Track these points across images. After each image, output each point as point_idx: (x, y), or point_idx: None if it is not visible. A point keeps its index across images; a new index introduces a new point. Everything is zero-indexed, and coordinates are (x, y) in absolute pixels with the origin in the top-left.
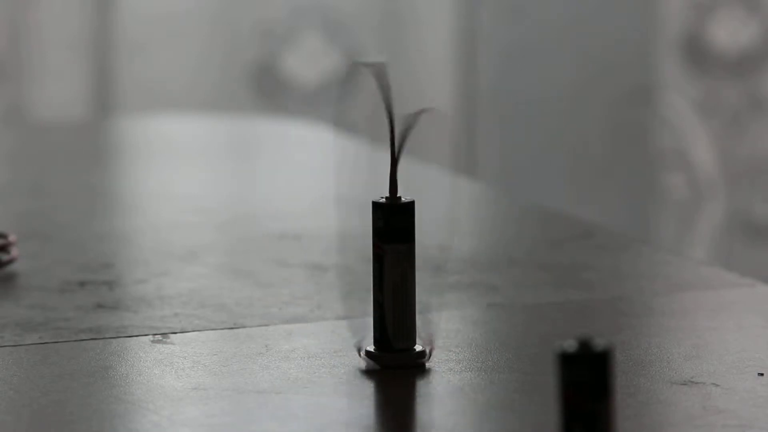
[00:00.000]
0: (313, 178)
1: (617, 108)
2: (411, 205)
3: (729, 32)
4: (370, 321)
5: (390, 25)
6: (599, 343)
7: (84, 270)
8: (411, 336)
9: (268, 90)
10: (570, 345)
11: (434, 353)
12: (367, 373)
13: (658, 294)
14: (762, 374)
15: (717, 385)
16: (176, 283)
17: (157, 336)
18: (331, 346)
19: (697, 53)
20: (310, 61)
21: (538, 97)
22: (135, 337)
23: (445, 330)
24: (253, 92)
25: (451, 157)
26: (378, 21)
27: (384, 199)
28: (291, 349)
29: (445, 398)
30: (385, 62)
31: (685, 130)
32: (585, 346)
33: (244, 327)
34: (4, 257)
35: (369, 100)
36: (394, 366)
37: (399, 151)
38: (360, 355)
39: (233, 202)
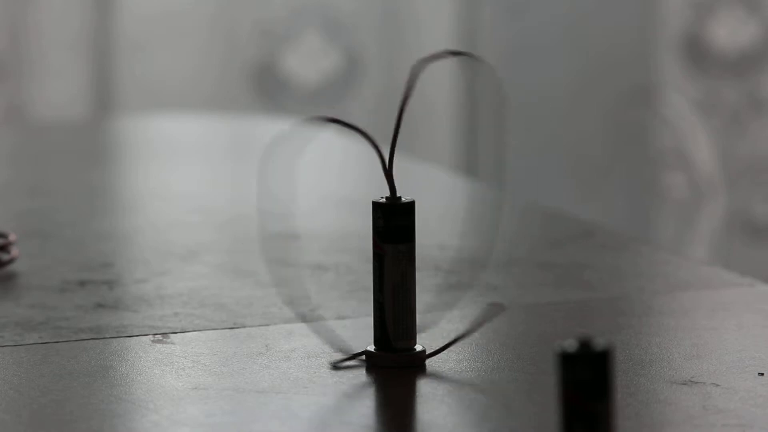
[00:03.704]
0: (313, 178)
1: (617, 108)
2: (411, 204)
3: (729, 32)
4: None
5: (390, 25)
6: (599, 342)
7: (84, 269)
8: (411, 336)
9: (268, 90)
10: (570, 345)
11: (436, 351)
12: (367, 373)
13: (658, 293)
14: (762, 374)
15: (717, 385)
16: (176, 282)
17: (157, 336)
18: (333, 346)
19: (697, 53)
20: (310, 61)
21: (538, 97)
22: (135, 337)
23: (446, 330)
24: (253, 92)
25: (451, 157)
26: (378, 21)
27: (384, 199)
28: (291, 349)
29: (445, 398)
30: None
31: (685, 129)
32: (585, 345)
33: (244, 327)
34: (4, 257)
35: (369, 100)
36: (394, 366)
37: (400, 116)
38: (350, 359)
39: (233, 202)
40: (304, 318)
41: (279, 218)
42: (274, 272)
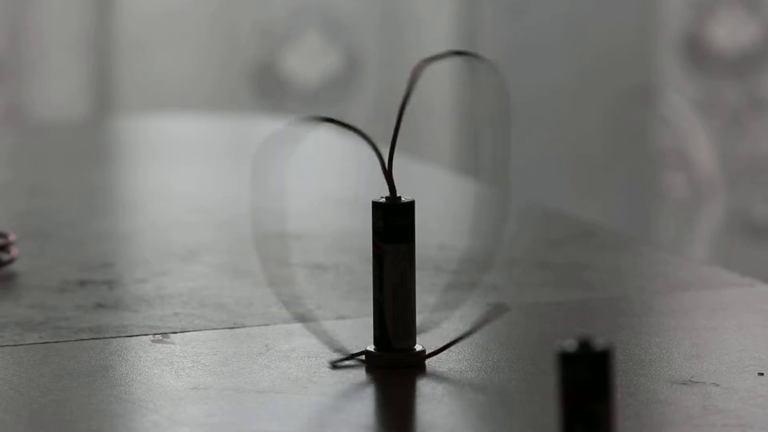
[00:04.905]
0: (313, 178)
1: (617, 108)
2: (411, 204)
3: (729, 32)
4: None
5: (390, 25)
6: (599, 342)
7: (84, 269)
8: (411, 336)
9: (268, 90)
10: (570, 344)
11: (436, 351)
12: (367, 373)
13: (657, 293)
14: (762, 374)
15: (717, 385)
16: (176, 282)
17: (157, 336)
18: (331, 346)
19: (697, 53)
20: (310, 61)
21: (538, 97)
22: (135, 337)
23: (446, 330)
24: (253, 92)
25: (451, 157)
26: (378, 21)
27: (384, 199)
28: (291, 349)
29: (445, 398)
30: (490, 60)
31: (685, 129)
32: (585, 345)
33: (244, 327)
34: (4, 257)
35: (367, 100)
36: (394, 366)
37: (400, 116)
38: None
39: (233, 202)
40: (301, 318)
41: (274, 218)
42: (272, 272)
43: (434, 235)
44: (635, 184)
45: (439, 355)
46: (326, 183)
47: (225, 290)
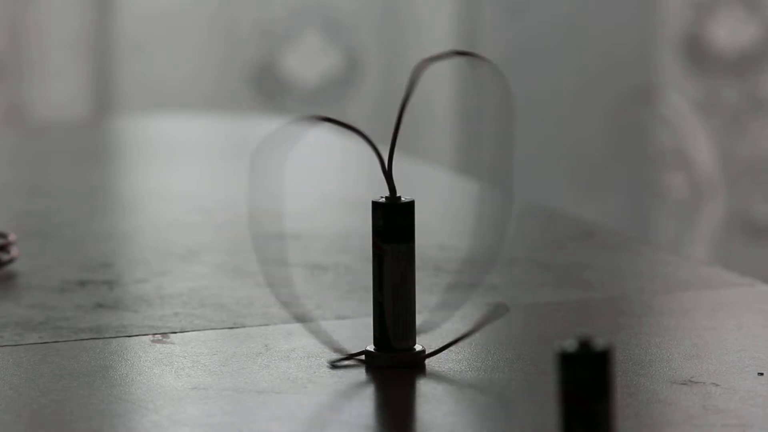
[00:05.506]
0: (313, 178)
1: (617, 108)
2: (411, 204)
3: (729, 32)
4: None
5: (390, 25)
6: (599, 342)
7: (84, 269)
8: (411, 336)
9: (268, 90)
10: (570, 344)
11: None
12: (367, 373)
13: (657, 293)
14: (762, 374)
15: (717, 385)
16: (176, 282)
17: (156, 336)
18: (331, 346)
19: (697, 53)
20: (310, 61)
21: (538, 97)
22: (135, 337)
23: (446, 330)
24: (253, 92)
25: (451, 157)
26: (378, 21)
27: (384, 199)
28: (291, 349)
29: (445, 398)
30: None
31: (685, 129)
32: (585, 345)
33: (243, 327)
34: (4, 257)
35: (368, 100)
36: (394, 366)
37: (400, 115)
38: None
39: (233, 202)
40: (300, 318)
41: (272, 218)
42: (270, 272)
43: (434, 235)
44: (635, 184)
45: (439, 355)
46: (326, 183)
47: (225, 290)
